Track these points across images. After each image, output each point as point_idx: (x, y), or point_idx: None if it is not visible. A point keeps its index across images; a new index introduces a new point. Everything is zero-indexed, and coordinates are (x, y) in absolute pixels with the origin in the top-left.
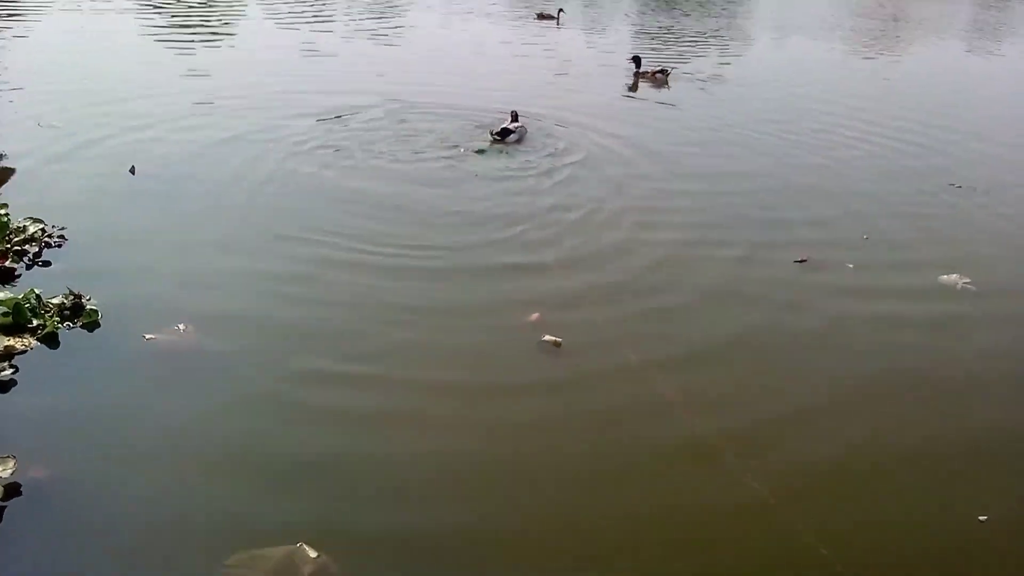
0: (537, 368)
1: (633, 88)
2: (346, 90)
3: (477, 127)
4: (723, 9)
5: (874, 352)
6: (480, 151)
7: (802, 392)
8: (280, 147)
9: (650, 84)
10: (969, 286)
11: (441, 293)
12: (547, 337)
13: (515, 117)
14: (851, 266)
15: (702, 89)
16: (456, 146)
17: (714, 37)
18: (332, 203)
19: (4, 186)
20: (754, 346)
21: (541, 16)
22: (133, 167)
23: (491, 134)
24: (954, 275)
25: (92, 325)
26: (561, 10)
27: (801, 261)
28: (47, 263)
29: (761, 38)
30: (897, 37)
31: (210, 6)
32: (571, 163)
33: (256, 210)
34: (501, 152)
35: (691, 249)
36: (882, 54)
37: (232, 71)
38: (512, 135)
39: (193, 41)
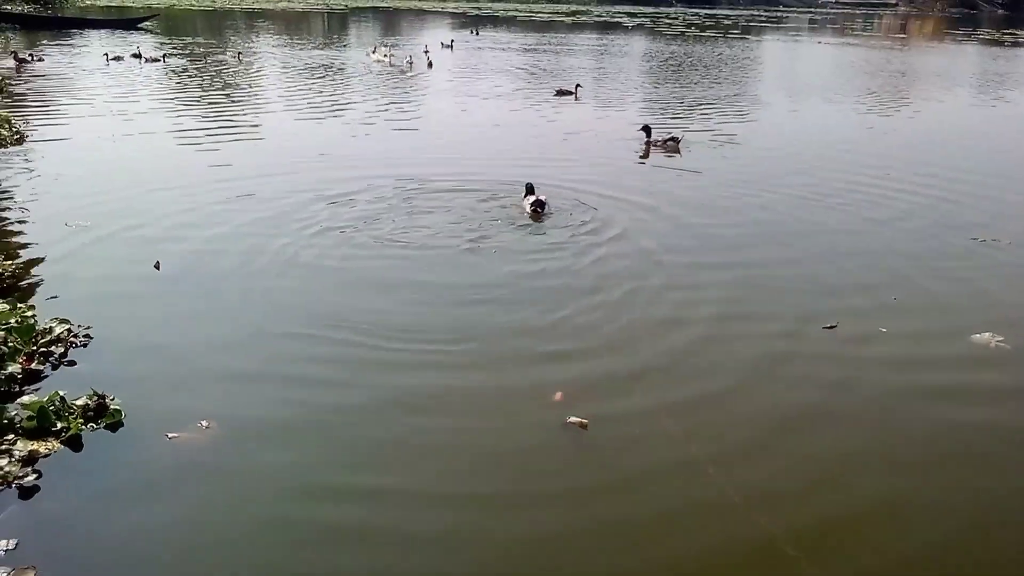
0: (570, 467)
1: (644, 156)
2: (363, 174)
3: (501, 205)
4: (732, 75)
5: (923, 427)
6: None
7: (867, 482)
8: (304, 237)
9: (662, 152)
10: (1003, 344)
11: (466, 391)
12: (572, 419)
13: (531, 190)
14: (884, 330)
15: (718, 155)
16: (483, 236)
17: (725, 103)
18: (357, 295)
19: (32, 286)
20: (804, 430)
21: (560, 92)
22: (158, 263)
23: (530, 210)
24: (987, 334)
25: (116, 425)
26: (579, 85)
27: (831, 327)
28: (72, 363)
29: (772, 102)
30: (905, 92)
31: (232, 101)
32: (597, 240)
33: (280, 304)
34: (527, 230)
35: (730, 325)
36: (891, 110)
37: (254, 164)
38: (546, 207)
39: (217, 138)
